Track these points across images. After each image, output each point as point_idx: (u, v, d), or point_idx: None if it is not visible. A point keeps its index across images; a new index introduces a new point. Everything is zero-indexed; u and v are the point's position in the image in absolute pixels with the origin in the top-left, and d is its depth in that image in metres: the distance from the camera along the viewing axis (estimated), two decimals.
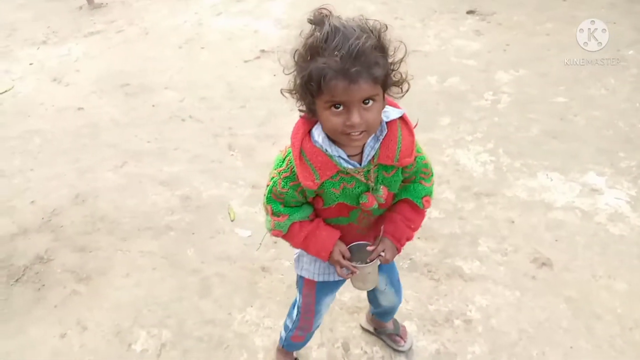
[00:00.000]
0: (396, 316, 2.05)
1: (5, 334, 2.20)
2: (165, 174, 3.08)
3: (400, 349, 2.04)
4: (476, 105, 3.57)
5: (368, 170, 1.29)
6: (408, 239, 1.45)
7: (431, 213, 2.68)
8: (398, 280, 1.84)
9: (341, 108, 1.11)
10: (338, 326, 2.14)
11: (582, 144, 3.12)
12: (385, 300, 1.86)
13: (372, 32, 1.10)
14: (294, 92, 1.20)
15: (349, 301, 2.22)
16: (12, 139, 3.48)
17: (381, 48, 1.12)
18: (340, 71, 1.06)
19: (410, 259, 2.43)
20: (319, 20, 1.11)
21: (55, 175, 3.10)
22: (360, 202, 1.33)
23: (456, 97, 3.67)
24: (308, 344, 1.95)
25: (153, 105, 3.78)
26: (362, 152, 1.27)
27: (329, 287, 1.65)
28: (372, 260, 1.40)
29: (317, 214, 1.43)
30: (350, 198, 1.33)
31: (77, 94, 4.01)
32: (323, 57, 1.07)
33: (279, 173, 1.31)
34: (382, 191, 1.33)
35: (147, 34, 5.01)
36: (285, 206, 1.37)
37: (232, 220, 2.69)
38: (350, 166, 1.26)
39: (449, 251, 2.47)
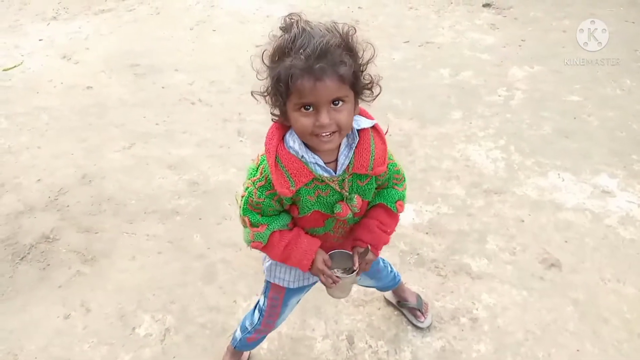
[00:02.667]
0: None
1: (9, 311, 2.19)
2: (172, 157, 3.06)
3: (419, 324, 2.09)
4: (489, 101, 3.52)
5: (343, 179, 1.29)
6: (385, 244, 1.48)
7: (440, 208, 2.66)
8: (376, 270, 1.85)
9: (311, 109, 1.13)
10: (343, 318, 2.13)
11: (594, 144, 3.08)
12: (365, 284, 1.91)
13: (338, 33, 1.12)
14: (265, 95, 1.21)
15: (354, 293, 2.21)
16: (20, 115, 3.45)
17: (348, 48, 1.13)
18: (305, 69, 1.08)
19: (418, 254, 2.41)
20: (288, 25, 1.13)
21: (62, 154, 3.08)
22: (335, 211, 1.33)
23: (468, 92, 3.63)
24: (314, 334, 1.94)
25: (162, 87, 3.74)
26: (336, 161, 1.27)
27: (300, 290, 1.65)
28: (354, 271, 1.42)
29: (295, 223, 1.42)
30: (325, 206, 1.33)
31: (86, 72, 3.97)
32: (290, 57, 1.10)
33: (254, 183, 1.30)
34: (356, 200, 1.34)
35: (158, 14, 4.95)
36: (263, 215, 1.35)
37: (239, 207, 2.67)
38: (325, 174, 1.26)
39: (457, 248, 2.45)
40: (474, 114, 3.39)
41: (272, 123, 1.30)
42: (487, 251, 2.43)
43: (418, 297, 2.13)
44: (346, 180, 1.30)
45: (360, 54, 1.17)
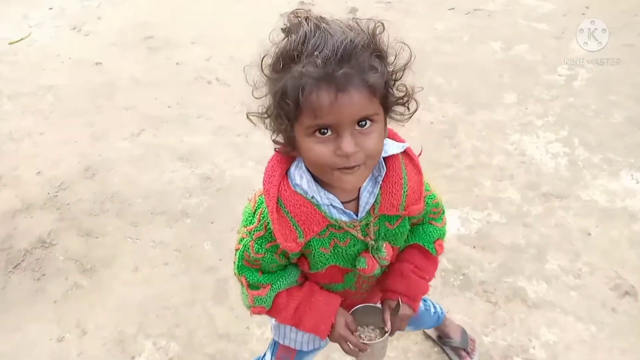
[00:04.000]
0: None
1: (1, 328, 1.96)
2: (185, 145, 2.74)
3: None
4: (548, 81, 3.04)
5: (367, 224, 1.01)
6: (424, 294, 1.20)
7: (490, 216, 2.27)
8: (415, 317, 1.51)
9: (329, 133, 0.85)
10: None
11: None
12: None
13: (363, 31, 0.84)
14: (265, 116, 0.92)
15: None
16: (24, 95, 3.18)
17: (377, 49, 0.86)
18: (323, 78, 0.80)
19: (464, 274, 2.05)
20: (294, 24, 0.85)
21: (66, 141, 2.80)
22: (358, 266, 1.06)
23: (524, 69, 3.14)
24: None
25: (177, 63, 3.40)
26: (357, 199, 0.99)
27: (315, 350, 1.34)
28: (387, 332, 1.14)
29: (306, 276, 1.11)
30: (344, 259, 1.05)
31: (97, 45, 3.65)
32: (300, 63, 0.82)
33: (250, 233, 1.00)
34: (385, 250, 1.05)
35: None
36: (264, 273, 1.05)
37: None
38: (344, 218, 0.98)
39: (510, 267, 2.07)
40: (530, 96, 2.93)
41: (271, 156, 0.98)
42: (547, 272, 2.05)
43: (463, 332, 1.78)
44: (371, 224, 1.01)
45: (391, 59, 0.89)
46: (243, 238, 1.02)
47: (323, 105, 0.80)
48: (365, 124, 0.85)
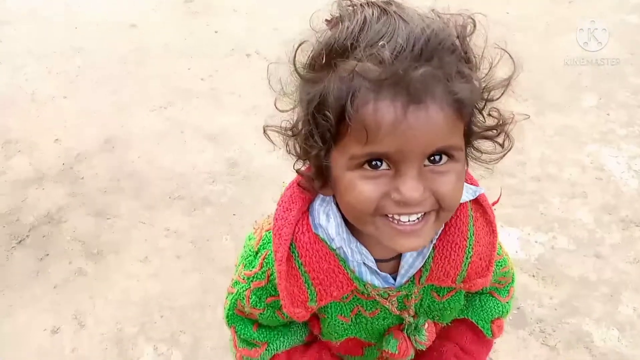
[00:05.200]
0: None
1: None
2: (214, 125, 2.49)
3: None
4: (635, 84, 2.61)
5: (407, 295, 0.74)
6: None
7: (556, 240, 1.93)
8: None
9: (383, 167, 0.58)
10: None
11: None
12: None
13: (448, 26, 0.58)
14: (290, 134, 0.66)
15: None
16: (52, 55, 2.99)
17: (466, 54, 0.59)
18: (388, 80, 0.53)
19: (518, 309, 1.73)
20: (348, 13, 0.59)
21: (88, 109, 2.61)
22: (385, 349, 0.79)
23: (607, 69, 2.72)
24: None
25: (215, 32, 3.14)
26: (398, 258, 0.71)
27: None
28: None
29: (315, 336, 0.86)
30: (368, 333, 0.79)
31: (133, 5, 3.42)
32: (354, 58, 0.55)
33: (249, 279, 0.74)
34: (427, 331, 0.78)
35: None
36: (260, 327, 0.80)
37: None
38: (377, 283, 0.71)
39: (575, 305, 1.74)
40: (612, 101, 2.52)
41: (291, 181, 0.72)
42: (620, 317, 1.71)
43: None
44: (413, 295, 0.73)
45: (483, 70, 0.61)
46: (238, 282, 0.76)
47: (383, 122, 0.54)
48: (441, 159, 0.58)
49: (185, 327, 1.73)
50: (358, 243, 0.68)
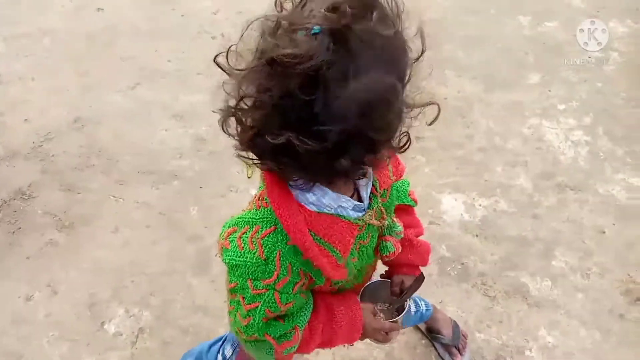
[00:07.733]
0: None
1: None
2: (181, 104, 2.58)
3: None
4: (576, 63, 2.80)
5: (377, 205, 0.91)
6: (427, 253, 1.15)
7: (498, 203, 2.10)
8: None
9: None
10: (356, 344, 1.69)
11: None
12: None
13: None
14: (237, 113, 0.71)
15: None
16: (20, 37, 3.01)
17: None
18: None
19: (462, 264, 1.90)
20: None
21: (57, 89, 2.65)
22: (387, 253, 0.96)
23: (551, 48, 2.90)
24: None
25: (182, 15, 3.20)
26: (355, 189, 0.88)
27: None
28: (403, 308, 1.08)
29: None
30: (368, 257, 0.97)
31: None
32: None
33: (271, 286, 0.82)
34: (398, 223, 0.98)
35: None
36: (285, 318, 0.90)
37: (248, 177, 2.18)
38: (361, 213, 0.87)
39: (514, 260, 1.92)
40: (555, 78, 2.70)
41: (266, 177, 0.84)
42: (553, 270, 1.89)
43: (455, 327, 1.65)
44: (379, 205, 0.92)
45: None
46: (260, 294, 0.83)
47: None
48: None
49: (155, 289, 1.84)
50: (339, 195, 0.81)
